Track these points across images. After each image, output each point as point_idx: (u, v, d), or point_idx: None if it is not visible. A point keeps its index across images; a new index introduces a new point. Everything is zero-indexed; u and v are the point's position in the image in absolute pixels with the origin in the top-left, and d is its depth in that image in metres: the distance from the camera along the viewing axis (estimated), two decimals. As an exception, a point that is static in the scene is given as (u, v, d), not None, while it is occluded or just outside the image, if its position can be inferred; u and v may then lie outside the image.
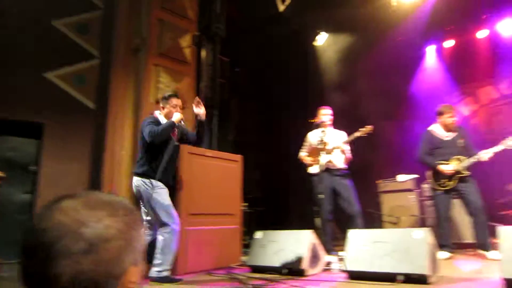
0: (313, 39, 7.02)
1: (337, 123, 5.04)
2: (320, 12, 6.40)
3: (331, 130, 4.86)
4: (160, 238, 3.40)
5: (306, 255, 3.75)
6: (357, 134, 4.60)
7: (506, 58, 6.78)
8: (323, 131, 4.68)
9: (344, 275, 3.47)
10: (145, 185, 3.43)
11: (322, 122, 4.75)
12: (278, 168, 7.13)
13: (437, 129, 4.75)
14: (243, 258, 4.59)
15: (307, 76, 6.96)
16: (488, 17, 6.83)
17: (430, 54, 7.47)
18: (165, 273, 3.39)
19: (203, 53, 5.72)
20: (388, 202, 6.47)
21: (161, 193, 3.46)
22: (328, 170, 4.70)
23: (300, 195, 6.01)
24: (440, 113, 4.70)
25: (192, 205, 4.10)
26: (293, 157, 5.14)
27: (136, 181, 3.49)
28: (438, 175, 4.59)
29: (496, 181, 5.68)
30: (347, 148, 4.79)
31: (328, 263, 4.09)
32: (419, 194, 6.23)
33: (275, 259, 3.88)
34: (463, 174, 4.43)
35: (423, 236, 3.23)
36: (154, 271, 3.37)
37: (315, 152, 4.76)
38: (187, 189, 4.07)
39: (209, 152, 4.55)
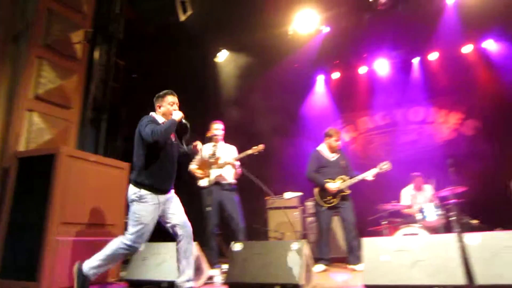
0: (214, 55, 7.13)
1: (231, 138, 5.13)
2: (222, 30, 6.55)
3: (223, 145, 4.93)
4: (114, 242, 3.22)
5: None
6: (249, 152, 4.72)
7: (380, 93, 7.75)
8: (214, 145, 4.74)
9: (225, 287, 3.49)
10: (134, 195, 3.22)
11: (214, 135, 4.79)
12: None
13: (323, 149, 5.20)
14: (122, 273, 4.32)
15: (205, 91, 7.02)
16: (368, 56, 7.74)
17: (320, 82, 8.15)
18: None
19: (97, 53, 5.39)
20: (274, 218, 6.72)
21: (147, 209, 3.22)
22: (218, 184, 4.75)
23: (190, 207, 5.92)
24: (328, 135, 5.17)
25: (65, 213, 3.73)
26: (185, 169, 5.06)
27: (131, 189, 3.26)
28: (324, 192, 4.97)
29: (367, 200, 6.34)
30: (237, 163, 4.88)
31: (211, 277, 4.07)
32: (302, 211, 6.64)
33: (156, 273, 3.73)
34: (345, 192, 4.92)
35: (299, 247, 3.42)
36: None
37: (205, 165, 4.77)
38: (61, 195, 3.70)
39: (93, 157, 4.22)
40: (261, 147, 4.72)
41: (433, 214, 5.12)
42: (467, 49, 7.30)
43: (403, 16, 6.49)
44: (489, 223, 5.46)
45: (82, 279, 3.09)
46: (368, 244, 3.17)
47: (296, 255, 3.39)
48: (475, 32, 7.01)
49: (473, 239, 2.86)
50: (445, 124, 7.59)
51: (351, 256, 4.78)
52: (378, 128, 8.03)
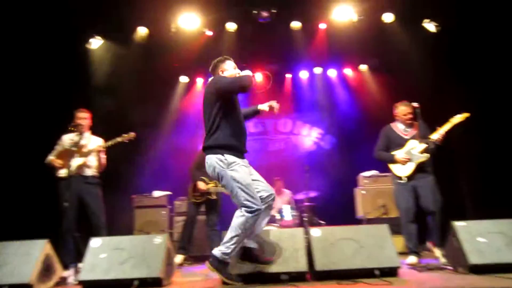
0: (86, 41, 6.65)
1: (100, 130, 4.90)
2: (96, 15, 6.18)
3: (88, 135, 4.70)
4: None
5: (35, 268, 3.38)
6: (118, 139, 4.54)
7: (255, 102, 8.22)
8: (78, 134, 4.46)
9: (79, 287, 3.30)
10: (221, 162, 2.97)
11: (79, 125, 4.50)
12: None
13: None
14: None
15: (76, 78, 6.48)
16: (247, 66, 8.10)
17: (199, 84, 8.26)
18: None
19: None
20: (141, 217, 6.53)
21: (239, 170, 2.97)
22: (78, 176, 4.46)
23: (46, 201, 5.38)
24: None
25: None
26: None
27: (209, 158, 3.03)
28: (195, 190, 5.24)
29: (229, 200, 6.67)
30: (103, 156, 4.67)
31: (64, 278, 3.82)
32: (170, 210, 6.61)
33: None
34: (212, 197, 5.24)
35: (162, 241, 3.44)
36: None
37: (67, 155, 4.45)
38: None
39: None
40: (132, 135, 4.58)
41: (289, 215, 5.67)
42: (331, 72, 8.29)
43: (282, 32, 7.05)
44: (334, 224, 6.25)
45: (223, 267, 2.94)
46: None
47: (157, 250, 3.40)
48: (339, 58, 8.01)
49: (316, 232, 3.29)
50: (308, 137, 8.44)
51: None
52: (250, 135, 8.49)
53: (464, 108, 4.44)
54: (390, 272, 3.06)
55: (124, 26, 6.71)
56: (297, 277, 3.03)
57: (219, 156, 2.98)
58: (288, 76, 8.38)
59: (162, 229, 6.31)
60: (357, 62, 8.09)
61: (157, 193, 6.62)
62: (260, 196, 3.04)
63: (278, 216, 5.78)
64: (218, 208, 5.31)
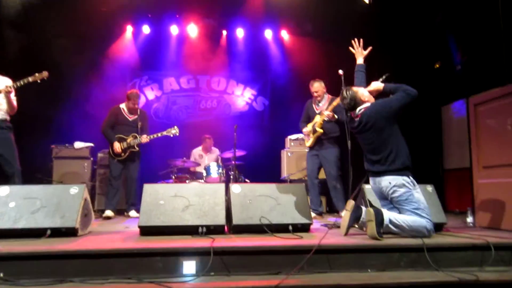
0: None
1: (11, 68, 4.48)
2: None
3: None
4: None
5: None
6: (30, 78, 4.19)
7: (189, 57, 8.00)
8: None
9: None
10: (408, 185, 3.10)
11: None
12: None
13: (124, 107, 5.50)
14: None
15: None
16: (180, 18, 7.80)
17: (128, 33, 7.78)
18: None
19: None
20: (60, 168, 6.24)
21: (420, 192, 3.18)
22: None
23: None
24: (128, 98, 5.46)
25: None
26: None
27: (396, 179, 3.10)
28: (113, 148, 5.31)
29: (161, 156, 6.61)
30: (13, 97, 4.29)
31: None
32: (93, 163, 6.37)
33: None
34: (135, 149, 5.35)
35: (78, 191, 3.33)
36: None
37: None
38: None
39: None
40: (45, 74, 4.26)
41: (215, 172, 5.75)
42: (268, 34, 8.26)
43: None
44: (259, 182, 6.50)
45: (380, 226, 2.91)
46: (148, 189, 3.35)
47: (73, 200, 3.29)
48: (276, 20, 7.99)
49: (236, 188, 3.40)
50: (241, 97, 8.46)
51: (127, 205, 5.47)
52: (182, 91, 8.31)
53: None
54: (303, 228, 3.29)
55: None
56: (214, 230, 3.13)
57: (406, 178, 3.11)
58: (224, 32, 8.21)
59: (83, 182, 6.10)
60: (293, 25, 8.14)
61: (78, 144, 6.32)
62: None
63: (204, 173, 5.84)
64: (139, 159, 5.47)
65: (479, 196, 4.05)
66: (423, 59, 6.93)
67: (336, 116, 4.75)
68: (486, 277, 2.48)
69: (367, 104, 3.25)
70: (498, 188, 3.77)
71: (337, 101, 4.65)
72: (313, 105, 5.14)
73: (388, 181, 3.12)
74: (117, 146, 5.26)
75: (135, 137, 5.30)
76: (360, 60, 3.63)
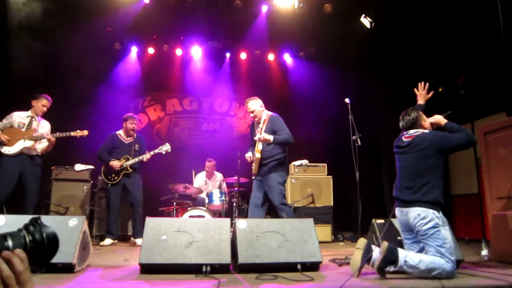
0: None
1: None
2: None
3: (41, 120, 4.86)
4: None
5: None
6: (72, 133, 4.80)
7: (192, 79, 7.95)
8: (33, 117, 4.73)
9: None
10: (437, 219, 2.93)
11: (38, 108, 4.72)
12: None
13: (120, 133, 5.54)
14: None
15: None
16: (184, 39, 7.79)
17: (133, 53, 7.75)
18: None
19: None
20: (59, 191, 6.10)
21: (448, 229, 3.00)
22: (23, 154, 4.61)
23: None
24: (125, 119, 5.49)
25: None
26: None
27: (426, 211, 2.93)
28: (109, 170, 5.31)
29: (162, 180, 6.44)
30: (53, 139, 4.73)
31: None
32: (93, 186, 6.23)
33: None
34: (128, 170, 5.31)
35: (77, 224, 3.19)
36: None
37: (15, 133, 4.58)
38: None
39: None
40: (85, 132, 4.84)
41: (218, 199, 5.60)
42: (271, 57, 8.23)
43: (222, 9, 6.81)
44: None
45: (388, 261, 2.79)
46: (150, 223, 3.20)
47: (72, 233, 3.14)
48: (279, 44, 7.98)
49: (242, 224, 3.25)
50: (243, 119, 8.38)
51: (136, 231, 5.27)
52: (185, 112, 8.24)
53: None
54: (312, 267, 3.13)
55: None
56: (219, 268, 2.98)
57: (436, 212, 2.95)
58: (228, 55, 8.18)
59: (82, 205, 5.97)
60: (295, 49, 8.13)
61: (79, 166, 6.20)
62: None
63: (207, 200, 5.70)
64: (139, 184, 5.39)
65: (493, 228, 3.90)
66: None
67: (270, 139, 4.18)
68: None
69: (424, 130, 3.17)
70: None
71: (270, 119, 4.35)
72: (254, 127, 4.56)
73: (417, 213, 2.95)
74: (115, 163, 5.25)
75: (127, 159, 5.30)
76: (421, 101, 3.62)
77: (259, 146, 4.31)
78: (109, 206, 5.35)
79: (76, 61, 6.67)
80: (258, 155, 4.28)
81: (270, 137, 4.20)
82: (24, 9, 6.01)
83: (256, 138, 4.28)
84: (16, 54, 5.99)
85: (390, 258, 2.79)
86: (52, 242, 0.77)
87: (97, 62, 7.13)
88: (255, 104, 4.42)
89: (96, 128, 6.86)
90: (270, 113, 4.54)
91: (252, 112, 4.42)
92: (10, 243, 0.71)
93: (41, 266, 0.77)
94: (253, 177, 4.51)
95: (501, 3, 4.43)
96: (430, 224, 2.90)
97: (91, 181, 6.23)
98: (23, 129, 4.62)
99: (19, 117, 4.67)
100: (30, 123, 4.68)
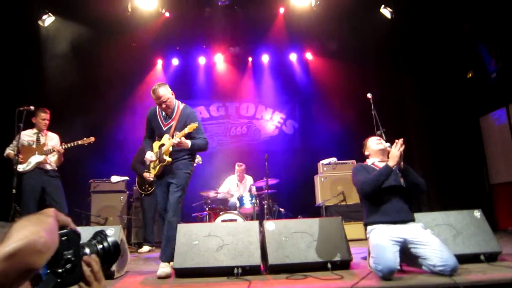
0: (39, 17, 6.20)
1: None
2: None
3: (47, 133, 4.96)
4: None
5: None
6: (79, 142, 4.78)
7: (217, 85, 8.10)
8: (39, 132, 4.85)
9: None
10: None
11: (40, 123, 4.81)
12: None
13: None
14: None
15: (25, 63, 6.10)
16: (206, 48, 7.96)
17: (159, 66, 8.00)
18: None
19: None
20: (98, 202, 6.38)
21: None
22: (40, 169, 4.73)
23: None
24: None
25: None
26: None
27: None
28: (143, 181, 5.56)
29: (193, 186, 6.60)
30: (62, 151, 4.82)
31: None
32: (129, 196, 6.48)
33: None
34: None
35: (114, 233, 3.35)
36: None
37: (26, 151, 4.71)
38: None
39: None
40: (92, 139, 4.86)
41: (249, 203, 5.68)
42: (292, 57, 8.25)
43: (240, 15, 6.91)
44: (294, 211, 6.36)
45: None
46: (182, 229, 3.32)
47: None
48: (300, 43, 7.98)
49: (270, 226, 3.30)
50: (270, 122, 8.43)
51: None
52: (212, 119, 8.38)
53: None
54: (342, 265, 3.13)
55: (78, 2, 6.34)
56: (250, 270, 3.04)
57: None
58: (250, 59, 8.27)
59: (119, 215, 6.21)
60: (316, 46, 8.10)
61: (115, 178, 6.46)
62: None
63: (238, 204, 5.78)
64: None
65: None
66: (454, 69, 6.69)
67: (188, 144, 3.54)
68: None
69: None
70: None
71: (182, 111, 3.66)
72: (158, 116, 3.77)
73: None
74: (148, 175, 5.44)
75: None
76: (390, 163, 3.02)
77: (167, 147, 3.61)
78: (144, 215, 5.62)
79: (107, 78, 6.99)
80: (168, 159, 3.61)
81: (188, 143, 3.56)
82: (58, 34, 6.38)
83: (173, 141, 3.52)
84: (55, 72, 6.33)
85: None
86: (116, 249, 0.99)
87: (126, 76, 7.42)
88: (167, 92, 3.63)
89: (127, 140, 7.20)
90: (181, 104, 3.83)
91: (165, 101, 3.59)
92: (87, 250, 0.92)
93: (109, 267, 1.01)
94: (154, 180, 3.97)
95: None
96: None
97: (127, 192, 6.47)
98: (34, 146, 4.77)
99: (26, 136, 4.79)
100: (38, 139, 4.83)
